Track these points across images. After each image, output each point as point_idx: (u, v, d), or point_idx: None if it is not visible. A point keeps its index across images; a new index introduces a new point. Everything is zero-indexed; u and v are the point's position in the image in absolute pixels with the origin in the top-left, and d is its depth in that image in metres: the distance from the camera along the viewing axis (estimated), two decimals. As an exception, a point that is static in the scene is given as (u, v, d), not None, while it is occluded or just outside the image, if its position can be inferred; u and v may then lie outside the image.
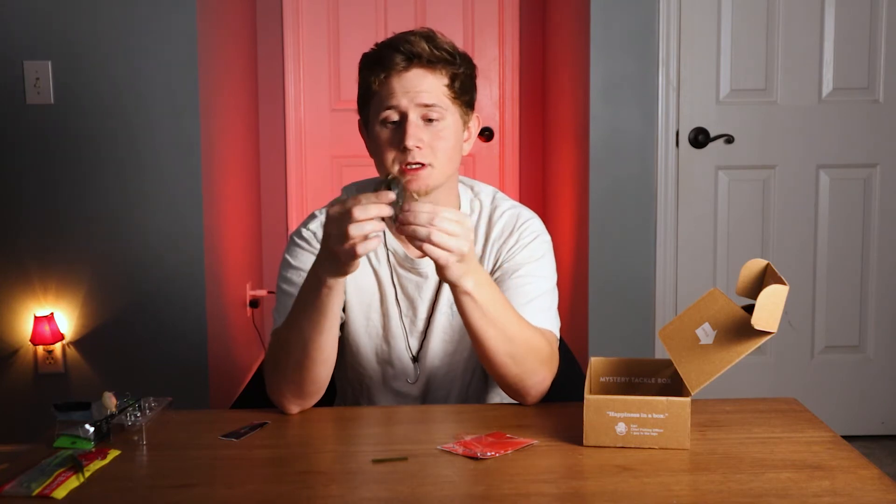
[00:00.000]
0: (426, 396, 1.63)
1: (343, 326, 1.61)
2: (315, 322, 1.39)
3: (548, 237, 1.61)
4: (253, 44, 3.96)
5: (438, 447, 1.28)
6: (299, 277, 1.53)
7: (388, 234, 1.59)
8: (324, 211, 1.61)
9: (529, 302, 1.52)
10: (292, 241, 1.60)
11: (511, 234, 1.58)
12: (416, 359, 1.61)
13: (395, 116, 1.46)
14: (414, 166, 1.45)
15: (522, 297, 1.52)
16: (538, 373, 1.46)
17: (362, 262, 1.59)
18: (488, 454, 1.25)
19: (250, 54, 3.90)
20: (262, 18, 4.02)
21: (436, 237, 1.27)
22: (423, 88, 1.46)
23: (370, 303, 1.60)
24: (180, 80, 2.86)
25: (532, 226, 1.59)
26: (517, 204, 1.63)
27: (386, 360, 1.61)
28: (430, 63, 1.46)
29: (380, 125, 1.48)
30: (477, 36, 4.07)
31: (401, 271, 1.59)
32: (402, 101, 1.45)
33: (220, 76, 3.27)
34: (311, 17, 4.08)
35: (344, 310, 1.60)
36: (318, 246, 1.57)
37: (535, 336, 1.47)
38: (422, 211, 1.27)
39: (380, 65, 1.47)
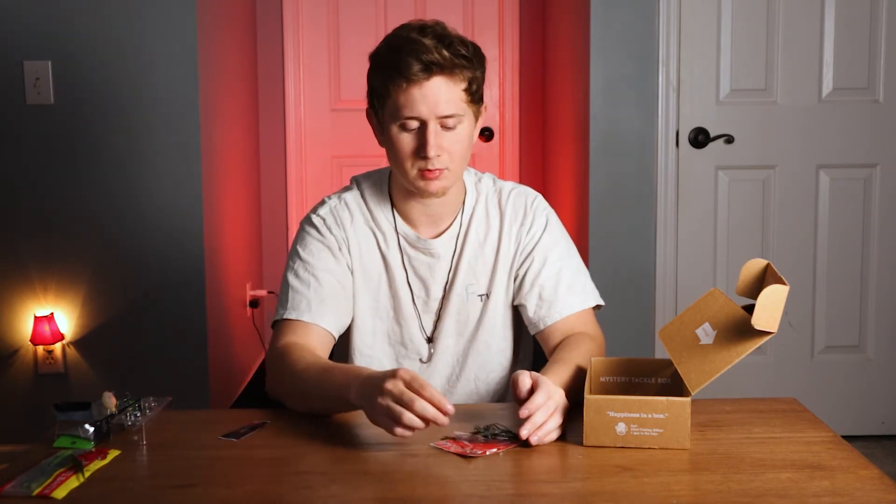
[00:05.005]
0: (434, 375, 1.65)
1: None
2: (329, 409, 1.42)
3: (552, 209, 1.70)
4: (253, 44, 3.96)
5: (431, 444, 1.29)
6: (306, 272, 1.58)
7: (399, 219, 1.62)
8: (333, 197, 1.64)
9: (570, 287, 1.62)
10: (302, 227, 1.64)
11: (525, 214, 1.65)
12: (430, 339, 1.64)
13: (414, 124, 1.50)
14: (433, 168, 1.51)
15: (563, 284, 1.62)
16: (597, 356, 1.54)
17: (369, 248, 1.62)
18: (477, 452, 1.25)
19: (250, 54, 3.90)
20: (262, 18, 4.02)
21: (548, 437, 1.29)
22: (443, 99, 1.48)
23: (378, 287, 1.63)
24: (180, 80, 2.86)
25: (540, 204, 1.68)
26: (516, 184, 1.71)
27: (398, 341, 1.65)
28: (449, 70, 1.47)
29: (397, 128, 1.51)
30: (477, 36, 4.06)
31: (412, 252, 1.62)
32: (423, 112, 1.48)
33: (220, 76, 3.27)
34: (311, 17, 4.08)
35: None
36: (326, 232, 1.60)
37: (587, 348, 1.55)
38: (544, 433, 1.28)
39: (398, 73, 1.47)
